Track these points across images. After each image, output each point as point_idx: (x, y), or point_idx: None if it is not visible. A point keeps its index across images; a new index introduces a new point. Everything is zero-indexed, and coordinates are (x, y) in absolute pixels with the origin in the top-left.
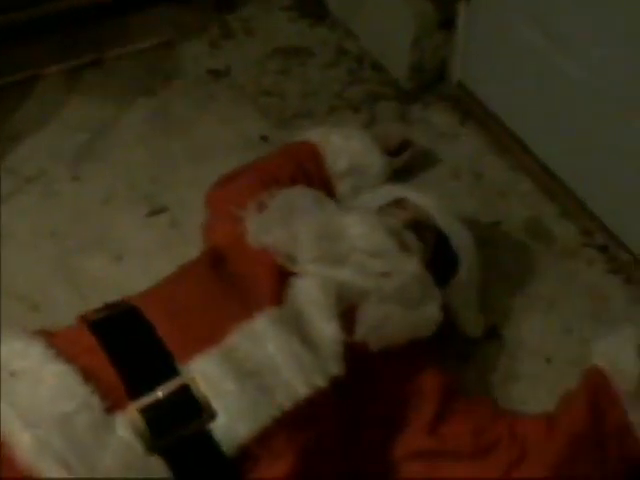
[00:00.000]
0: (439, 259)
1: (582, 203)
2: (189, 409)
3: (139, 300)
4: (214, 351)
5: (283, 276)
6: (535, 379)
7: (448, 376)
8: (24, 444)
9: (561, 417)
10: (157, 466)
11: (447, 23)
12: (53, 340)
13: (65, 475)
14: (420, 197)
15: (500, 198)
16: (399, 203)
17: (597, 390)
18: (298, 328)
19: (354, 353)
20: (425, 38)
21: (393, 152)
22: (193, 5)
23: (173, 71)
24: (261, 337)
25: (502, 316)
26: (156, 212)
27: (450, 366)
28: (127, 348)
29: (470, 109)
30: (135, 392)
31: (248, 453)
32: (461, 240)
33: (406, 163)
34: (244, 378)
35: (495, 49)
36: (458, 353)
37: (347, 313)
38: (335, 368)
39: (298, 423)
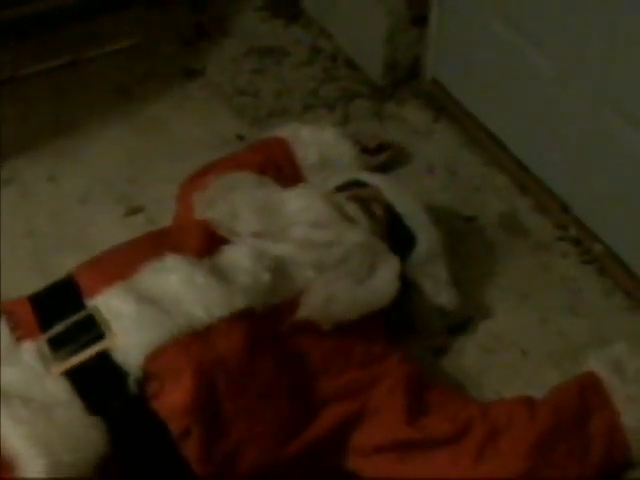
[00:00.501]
0: (395, 235)
1: (556, 197)
2: (91, 334)
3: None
4: (120, 284)
5: (216, 242)
6: (511, 371)
7: (416, 366)
8: None
9: (546, 400)
10: (58, 387)
11: (420, 20)
12: None
13: None
14: (370, 177)
15: (475, 193)
16: (353, 186)
17: (588, 388)
18: (211, 270)
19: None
20: (398, 35)
21: (371, 152)
22: (168, 6)
23: (148, 71)
24: (166, 270)
25: (478, 309)
26: (133, 211)
27: (426, 359)
28: (46, 296)
29: (444, 105)
30: (45, 325)
31: (151, 373)
32: (414, 215)
33: (383, 163)
34: (144, 303)
35: (468, 46)
36: (433, 346)
37: (294, 302)
38: (241, 302)
39: (195, 344)
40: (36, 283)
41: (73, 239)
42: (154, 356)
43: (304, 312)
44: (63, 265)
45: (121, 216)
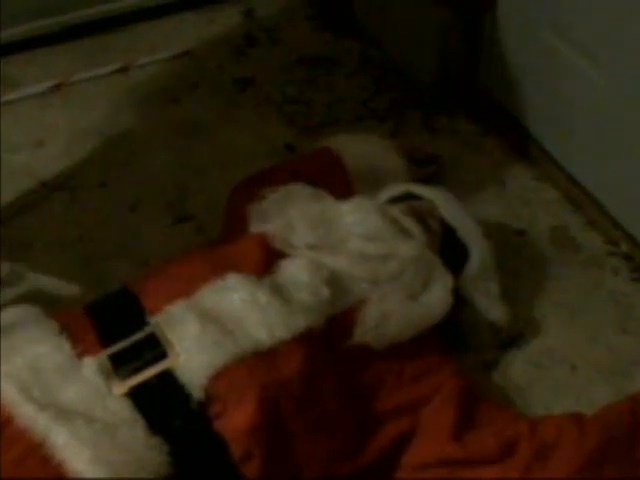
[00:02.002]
0: (449, 249)
1: (607, 212)
2: (154, 353)
3: (133, 281)
4: (182, 302)
5: (274, 257)
6: (560, 387)
7: (468, 380)
8: None
9: (597, 418)
10: (120, 405)
11: (472, 33)
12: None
13: (25, 400)
14: (424, 190)
15: (525, 207)
16: (407, 198)
17: None
18: (272, 289)
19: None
20: (450, 47)
21: (418, 163)
22: (219, 14)
23: (199, 79)
24: (229, 290)
25: (527, 324)
26: (182, 219)
27: (475, 373)
28: (105, 310)
29: (495, 118)
30: (106, 341)
31: (214, 394)
32: (467, 229)
33: (432, 175)
34: (207, 322)
35: (520, 59)
36: (483, 360)
37: (348, 315)
38: (302, 322)
39: (259, 366)
40: (85, 289)
41: (122, 246)
42: (217, 377)
43: (359, 335)
44: (112, 271)
45: (170, 224)
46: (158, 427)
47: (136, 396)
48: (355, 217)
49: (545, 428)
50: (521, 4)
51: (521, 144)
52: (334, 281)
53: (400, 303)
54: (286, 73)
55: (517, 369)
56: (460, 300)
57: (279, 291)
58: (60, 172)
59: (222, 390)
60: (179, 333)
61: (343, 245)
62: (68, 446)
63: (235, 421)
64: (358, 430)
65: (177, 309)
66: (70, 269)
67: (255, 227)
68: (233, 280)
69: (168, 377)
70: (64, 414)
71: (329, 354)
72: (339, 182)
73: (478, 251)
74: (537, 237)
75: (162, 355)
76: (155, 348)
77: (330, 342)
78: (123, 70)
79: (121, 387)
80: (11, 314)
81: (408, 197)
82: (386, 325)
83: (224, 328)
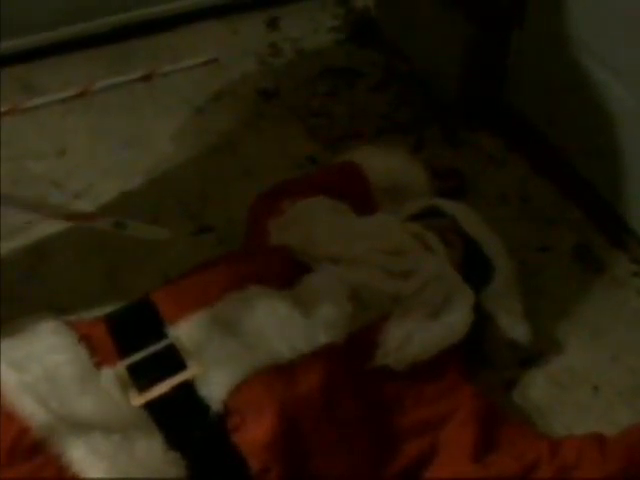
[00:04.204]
0: (471, 265)
1: (632, 232)
2: (173, 364)
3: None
4: (202, 314)
5: (295, 270)
6: (582, 407)
7: (488, 400)
8: (10, 384)
9: (618, 439)
10: (138, 417)
11: (499, 48)
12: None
13: (42, 412)
14: (447, 205)
15: (548, 224)
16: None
17: None
18: (293, 302)
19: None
20: (475, 62)
21: (441, 178)
22: (243, 24)
23: (222, 88)
24: (251, 301)
25: (549, 343)
26: (203, 229)
27: (495, 392)
28: (125, 320)
29: (519, 134)
30: (124, 352)
31: (232, 407)
32: (491, 245)
33: (454, 190)
34: (227, 335)
35: (547, 75)
36: (503, 379)
37: (369, 331)
38: (323, 337)
39: (278, 380)
40: (107, 298)
41: (143, 255)
42: (236, 390)
43: (381, 357)
44: (132, 281)
45: (191, 234)
46: (176, 440)
47: (154, 408)
48: (378, 231)
49: (566, 449)
50: (549, 20)
51: (545, 160)
52: (356, 296)
53: (421, 323)
54: (310, 84)
55: (538, 388)
56: (481, 317)
57: (300, 304)
58: (81, 179)
59: (241, 404)
60: (199, 345)
61: (365, 260)
62: (85, 458)
63: (253, 435)
64: (377, 448)
65: (197, 320)
66: (90, 279)
67: (277, 239)
68: (254, 292)
69: (187, 389)
70: (81, 426)
71: (349, 370)
72: (361, 195)
73: (501, 267)
74: (560, 255)
75: (181, 366)
76: (174, 359)
77: (351, 358)
78: (146, 78)
79: (139, 398)
80: (29, 322)
81: (430, 212)
82: (407, 347)
83: (244, 341)
